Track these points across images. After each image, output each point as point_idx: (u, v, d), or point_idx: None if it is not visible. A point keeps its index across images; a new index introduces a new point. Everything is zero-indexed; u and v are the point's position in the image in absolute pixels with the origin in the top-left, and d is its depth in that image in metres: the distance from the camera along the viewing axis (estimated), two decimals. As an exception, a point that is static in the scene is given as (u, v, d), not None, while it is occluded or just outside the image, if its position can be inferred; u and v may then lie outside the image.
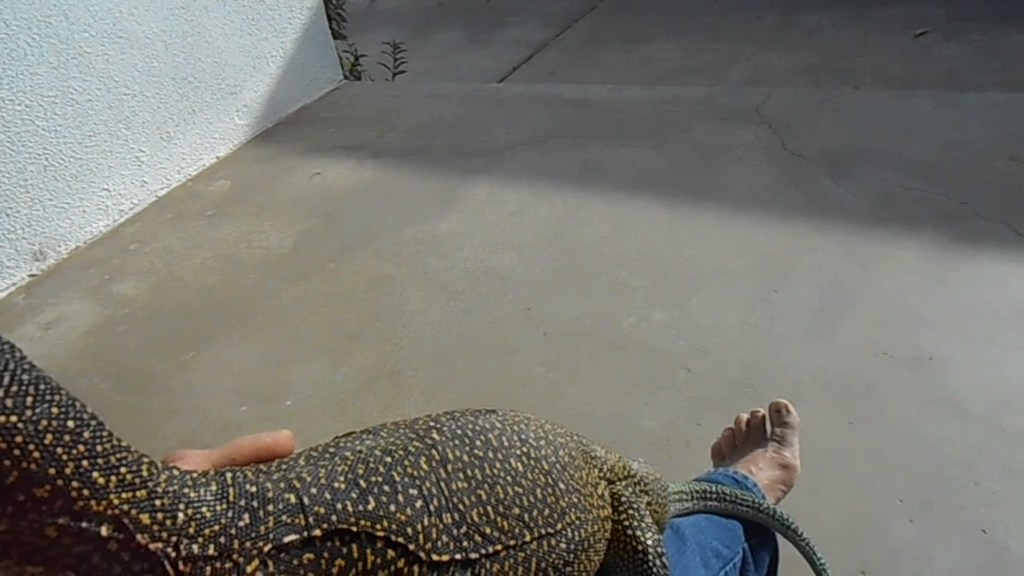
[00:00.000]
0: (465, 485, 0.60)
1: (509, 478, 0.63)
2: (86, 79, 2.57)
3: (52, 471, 0.46)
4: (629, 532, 0.76)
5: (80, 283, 2.42)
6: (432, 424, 0.63)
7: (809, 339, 1.82)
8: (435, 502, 0.57)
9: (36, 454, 0.46)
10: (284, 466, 0.55)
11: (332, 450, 0.58)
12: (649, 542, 0.76)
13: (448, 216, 2.48)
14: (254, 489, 0.52)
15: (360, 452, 0.58)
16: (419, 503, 0.56)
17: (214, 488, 0.51)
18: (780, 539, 1.24)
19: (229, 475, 0.53)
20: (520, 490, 0.63)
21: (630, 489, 0.80)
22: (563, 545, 0.65)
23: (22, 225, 2.44)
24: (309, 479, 0.54)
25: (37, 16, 2.41)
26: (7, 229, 2.40)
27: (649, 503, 0.85)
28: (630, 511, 0.77)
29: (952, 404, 1.61)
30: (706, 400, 1.69)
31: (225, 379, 1.96)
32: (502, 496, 0.61)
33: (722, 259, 2.12)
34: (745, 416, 1.45)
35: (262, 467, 0.55)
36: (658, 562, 0.76)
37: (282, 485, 0.53)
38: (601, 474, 0.77)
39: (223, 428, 1.82)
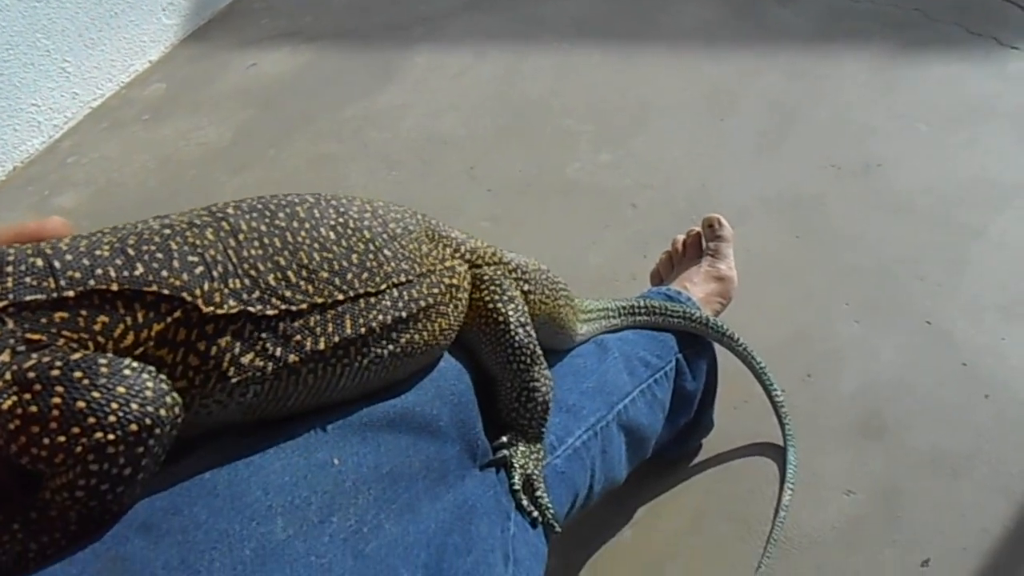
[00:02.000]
0: (260, 252, 0.56)
1: (317, 245, 0.60)
2: (-8, -13, 2.44)
3: None
4: (490, 306, 0.74)
5: (20, 202, 2.36)
6: (232, 203, 0.60)
7: (756, 161, 1.77)
8: (219, 268, 0.54)
9: None
10: (42, 243, 0.52)
11: (107, 230, 0.54)
12: (510, 312, 0.74)
13: (388, 89, 2.39)
14: (12, 253, 0.48)
15: (136, 227, 0.55)
16: (199, 269, 0.53)
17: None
18: (720, 350, 1.23)
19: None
20: (330, 255, 0.60)
21: (499, 272, 0.77)
22: (386, 303, 0.62)
23: (-49, 147, 2.36)
24: (65, 248, 0.50)
25: (-74, -78, 2.27)
26: (-64, 153, 2.33)
27: (529, 292, 0.82)
28: (491, 287, 0.75)
29: (898, 205, 1.58)
30: (652, 232, 1.66)
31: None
32: (306, 261, 0.58)
33: (667, 95, 2.04)
34: (681, 237, 1.41)
35: (16, 245, 0.51)
36: (520, 331, 0.74)
37: (29, 251, 0.49)
38: (457, 253, 0.74)
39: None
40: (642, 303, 1.16)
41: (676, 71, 2.12)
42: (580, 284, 1.55)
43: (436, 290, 0.68)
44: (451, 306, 0.70)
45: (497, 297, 0.74)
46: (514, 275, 0.80)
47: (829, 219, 1.59)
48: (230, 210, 0.58)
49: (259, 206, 0.60)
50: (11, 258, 0.48)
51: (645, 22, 2.36)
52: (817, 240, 1.56)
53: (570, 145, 1.97)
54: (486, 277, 0.75)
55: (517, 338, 0.73)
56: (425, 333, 0.66)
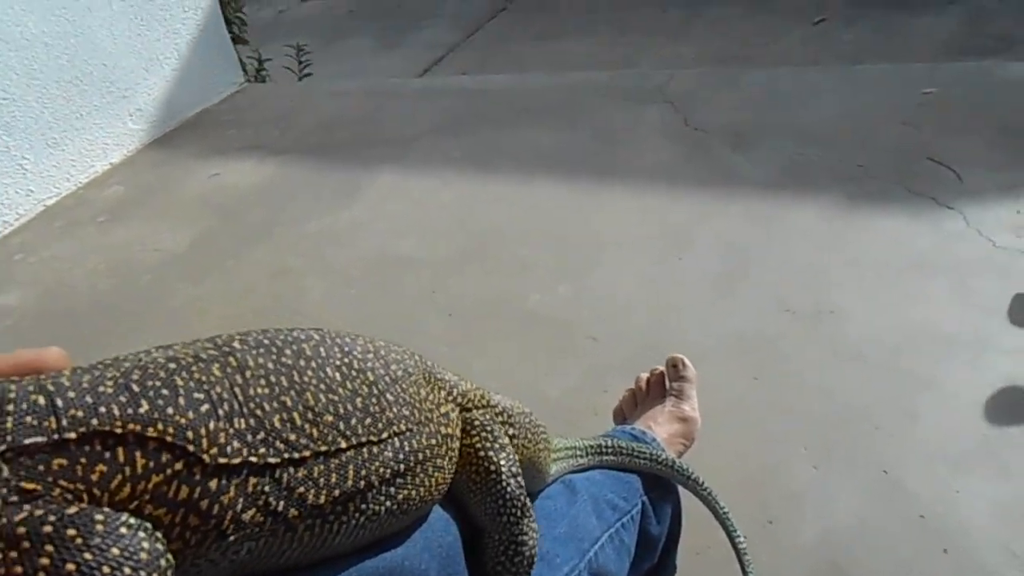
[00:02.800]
0: (267, 391, 0.54)
1: (323, 386, 0.58)
2: (-41, 83, 2.43)
3: None
4: (481, 454, 0.71)
5: (-41, 296, 2.27)
6: (238, 336, 0.58)
7: (712, 301, 1.81)
8: (225, 407, 0.52)
9: None
10: (43, 376, 0.49)
11: (108, 361, 0.52)
12: (502, 462, 0.72)
13: (351, 207, 2.41)
14: (14, 389, 0.46)
15: (140, 360, 0.52)
16: (205, 407, 0.51)
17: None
18: (683, 492, 1.21)
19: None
20: (336, 398, 0.58)
21: (488, 416, 0.76)
22: (388, 454, 0.60)
23: None
24: (68, 384, 0.48)
25: (-101, 16, 2.28)
26: None
27: (514, 436, 0.80)
28: (483, 434, 0.73)
29: (851, 353, 1.62)
30: (611, 366, 1.66)
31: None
32: (312, 403, 0.56)
33: (625, 231, 2.10)
34: (644, 375, 1.42)
35: (14, 378, 0.49)
36: (512, 482, 0.72)
37: (31, 388, 0.47)
38: (450, 397, 0.72)
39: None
40: (609, 443, 1.14)
41: (634, 208, 2.19)
42: (541, 417, 1.53)
43: (433, 440, 0.66)
44: (446, 457, 0.68)
45: (488, 445, 0.72)
46: (500, 419, 0.79)
47: (786, 363, 1.62)
48: (236, 344, 0.56)
49: (266, 341, 0.58)
50: (12, 395, 0.45)
51: (603, 157, 2.45)
52: (774, 383, 1.58)
53: (529, 275, 1.99)
54: (476, 423, 0.73)
55: (508, 489, 0.71)
56: (422, 488, 0.63)
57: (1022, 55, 3.47)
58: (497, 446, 0.72)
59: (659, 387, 1.39)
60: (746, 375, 1.61)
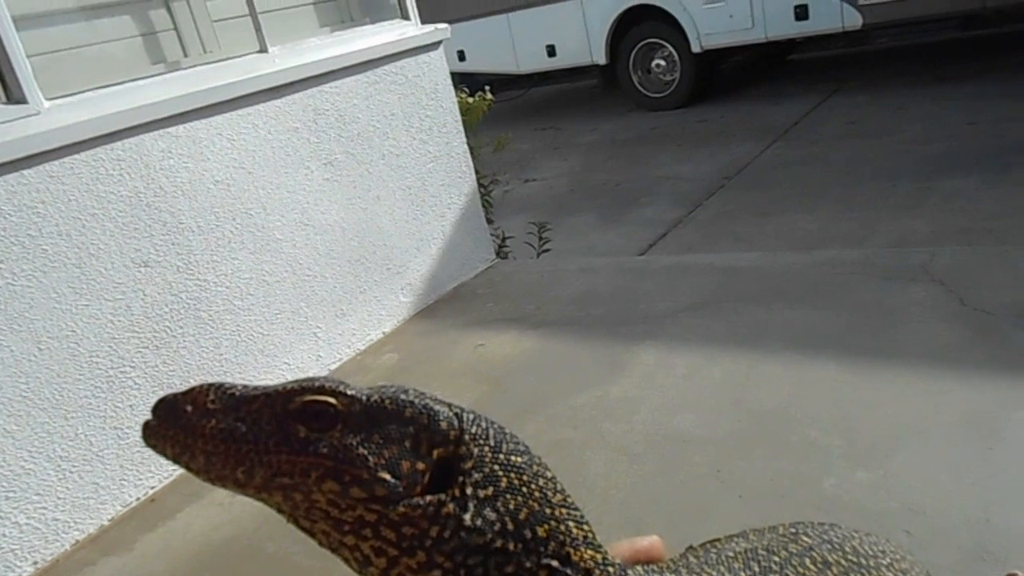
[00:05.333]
0: None
1: None
2: (276, 263, 2.80)
3: (548, 511, 0.49)
4: None
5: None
6: (792, 531, 0.62)
7: (1042, 499, 1.67)
8: None
9: (537, 494, 0.49)
10: (681, 563, 0.55)
11: (714, 552, 0.58)
12: None
13: (618, 381, 2.48)
14: None
15: (744, 551, 0.58)
16: None
17: (639, 570, 0.52)
18: None
19: (640, 567, 0.53)
20: None
21: None
22: None
23: (215, 397, 2.59)
24: (715, 574, 0.54)
25: (240, 209, 2.69)
26: (202, 401, 2.56)
27: None
28: None
29: None
30: (937, 566, 1.55)
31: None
32: None
33: (919, 417, 2.01)
34: (1000, 579, 1.32)
35: (662, 565, 0.55)
36: None
37: None
38: None
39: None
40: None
41: (923, 392, 2.11)
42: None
43: None
44: None
45: None
46: None
47: None
48: (805, 539, 0.61)
49: (825, 537, 0.62)
50: None
51: (880, 338, 2.40)
52: None
53: (821, 458, 1.94)
54: None
55: None
56: None
57: None
58: None
59: (1019, 595, 1.28)
60: (1103, 587, 1.45)
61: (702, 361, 2.49)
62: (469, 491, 0.47)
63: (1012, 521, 1.64)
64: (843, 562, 0.59)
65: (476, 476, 0.48)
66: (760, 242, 4.28)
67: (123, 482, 2.37)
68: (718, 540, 0.62)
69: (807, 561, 0.58)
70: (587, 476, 2.06)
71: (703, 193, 5.46)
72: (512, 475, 0.50)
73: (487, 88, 4.26)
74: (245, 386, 0.49)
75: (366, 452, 0.46)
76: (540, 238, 4.24)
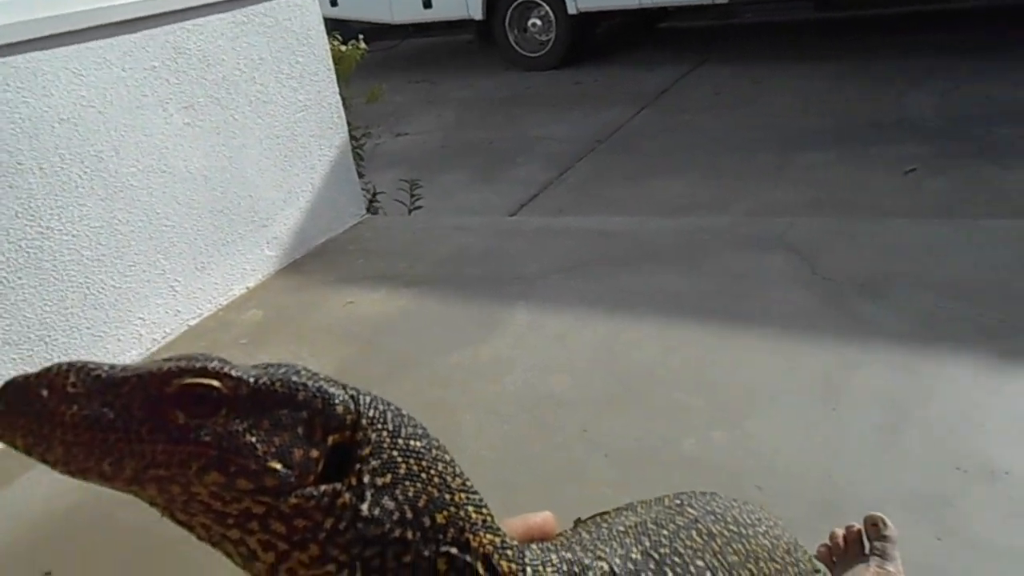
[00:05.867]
0: (736, 559, 0.60)
1: (766, 554, 0.63)
2: (130, 211, 2.62)
3: (448, 497, 0.47)
4: None
5: (115, 413, 2.36)
6: (676, 502, 0.64)
7: (878, 455, 1.81)
8: (720, 574, 0.57)
9: (436, 479, 0.47)
10: (574, 539, 0.55)
11: (605, 527, 0.58)
12: None
13: (491, 341, 2.49)
14: (569, 556, 0.52)
15: (635, 525, 0.58)
16: (708, 574, 0.56)
17: (536, 550, 0.51)
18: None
19: (535, 545, 0.53)
20: (778, 565, 0.63)
21: None
22: None
23: (59, 353, 2.40)
24: (609, 550, 0.54)
25: (90, 151, 2.49)
26: (44, 358, 2.37)
27: None
28: None
29: (1037, 517, 1.60)
30: (786, 519, 1.65)
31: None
32: (768, 571, 0.61)
33: (773, 379, 2.13)
34: (840, 531, 1.42)
35: (556, 542, 0.55)
36: None
37: (590, 555, 0.53)
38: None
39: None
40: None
41: (777, 355, 2.23)
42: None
43: None
44: None
45: None
46: None
47: (967, 524, 1.60)
48: (690, 511, 0.62)
49: (708, 508, 0.64)
50: (586, 562, 0.51)
51: (736, 303, 2.51)
52: (960, 545, 1.56)
53: (682, 419, 2.02)
54: None
55: None
56: None
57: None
58: None
59: (856, 545, 1.39)
60: (928, 535, 1.59)
61: (573, 323, 2.53)
62: (366, 479, 0.44)
63: (852, 476, 1.77)
64: (726, 532, 0.61)
65: (374, 463, 0.45)
66: (630, 206, 4.38)
67: (-48, 446, 2.17)
68: (607, 513, 0.63)
69: (694, 533, 0.59)
70: (460, 437, 2.06)
71: (575, 155, 5.53)
72: (411, 461, 0.47)
73: (360, 37, 4.11)
74: (112, 366, 0.44)
75: (254, 440, 0.42)
76: (412, 195, 4.17)
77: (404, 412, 0.50)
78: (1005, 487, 1.68)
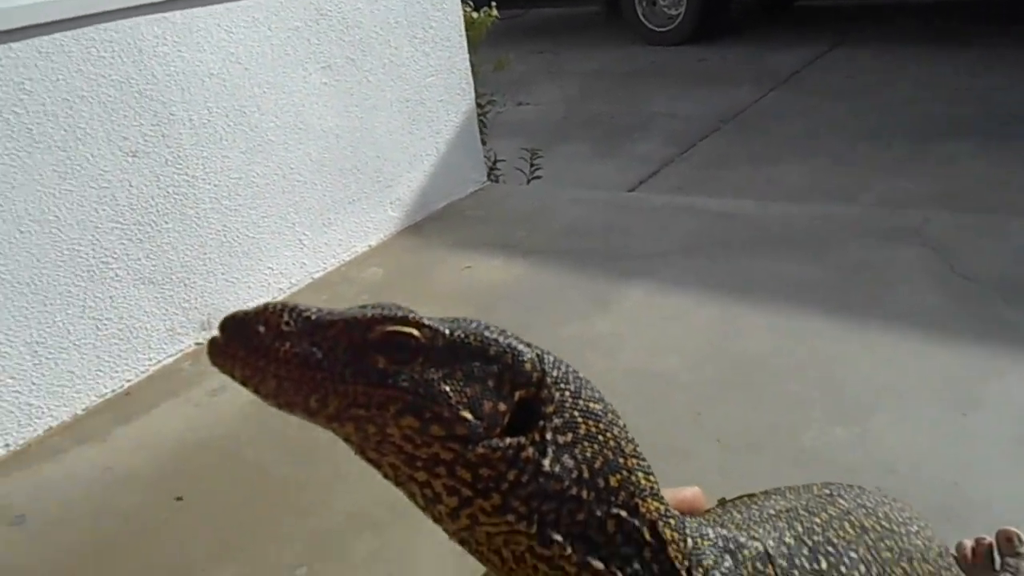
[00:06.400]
0: (889, 556, 0.59)
1: (919, 555, 0.61)
2: (267, 164, 2.73)
3: (621, 460, 0.48)
4: None
5: (243, 355, 2.49)
6: (825, 492, 0.63)
7: (1013, 467, 1.72)
8: (873, 569, 0.56)
9: (612, 443, 0.48)
10: (725, 517, 0.55)
11: (755, 508, 0.58)
12: None
13: (605, 316, 2.48)
14: (725, 533, 0.52)
15: (786, 510, 0.58)
16: (862, 567, 0.55)
17: (693, 523, 0.52)
18: None
19: (690, 520, 0.53)
20: (931, 568, 0.61)
21: None
22: None
23: (196, 295, 2.55)
24: (762, 531, 0.54)
25: (234, 105, 2.60)
26: (183, 298, 2.52)
27: None
28: None
29: None
30: (906, 523, 1.60)
31: (391, 459, 1.96)
32: (920, 572, 0.60)
33: (900, 377, 2.05)
34: (969, 543, 1.36)
35: (708, 518, 0.55)
36: None
37: (746, 535, 0.53)
38: None
39: (391, 505, 1.81)
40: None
41: (905, 354, 2.13)
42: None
43: None
44: None
45: None
46: None
47: (1107, 550, 1.51)
48: (842, 502, 0.61)
49: (859, 502, 0.63)
50: (742, 540, 0.51)
51: (867, 297, 2.42)
52: (1098, 571, 1.46)
53: (801, 411, 1.97)
54: None
55: None
56: None
57: None
58: None
59: (987, 559, 1.33)
60: (1063, 557, 1.50)
61: (689, 304, 2.49)
62: (549, 436, 0.46)
63: (979, 486, 1.69)
64: (878, 528, 0.60)
65: (557, 421, 0.47)
66: (751, 189, 4.26)
67: (99, 373, 2.34)
68: (754, 496, 0.63)
69: (847, 525, 0.58)
70: (569, 408, 2.07)
71: (697, 134, 5.40)
72: (590, 422, 0.49)
73: (492, 4, 4.12)
74: (320, 309, 0.47)
75: (448, 389, 0.44)
76: (532, 164, 4.18)
77: (583, 376, 0.51)
78: None
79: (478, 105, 3.86)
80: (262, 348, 0.44)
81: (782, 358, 2.18)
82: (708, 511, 0.59)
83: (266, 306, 0.46)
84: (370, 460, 0.47)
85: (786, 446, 1.86)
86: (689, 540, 0.49)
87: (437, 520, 0.47)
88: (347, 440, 0.47)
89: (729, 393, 2.07)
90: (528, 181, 4.23)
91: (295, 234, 2.87)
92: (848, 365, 2.12)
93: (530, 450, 0.45)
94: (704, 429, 1.95)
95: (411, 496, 0.48)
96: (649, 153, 5.17)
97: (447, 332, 0.46)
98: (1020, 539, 1.32)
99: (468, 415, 0.44)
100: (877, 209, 3.20)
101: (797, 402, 2.00)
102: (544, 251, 2.98)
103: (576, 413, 0.47)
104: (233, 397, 2.28)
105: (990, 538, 1.35)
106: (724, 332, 2.33)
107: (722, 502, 0.62)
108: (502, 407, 0.45)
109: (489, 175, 4.07)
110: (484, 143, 4.07)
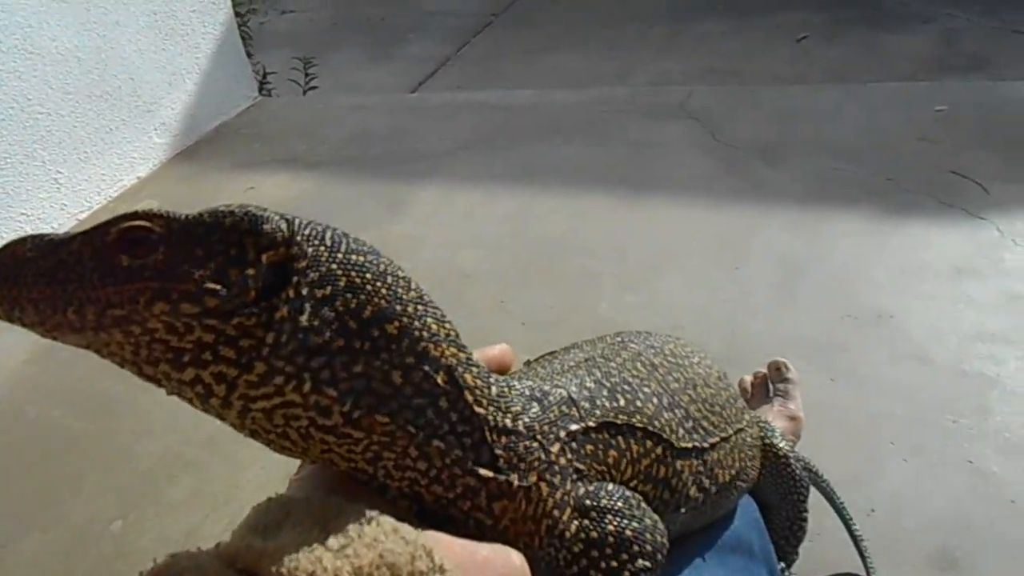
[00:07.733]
0: (678, 385, 0.64)
1: (702, 381, 0.67)
2: (-2, 97, 2.41)
3: (399, 308, 0.47)
4: (767, 442, 0.81)
5: (8, 313, 2.25)
6: (617, 340, 0.67)
7: (778, 308, 1.92)
8: (664, 399, 0.61)
9: (384, 291, 0.47)
10: (531, 372, 0.58)
11: (557, 362, 0.61)
12: (788, 450, 0.82)
13: (400, 220, 2.47)
14: (530, 383, 0.54)
15: (584, 360, 0.61)
16: (655, 399, 0.60)
17: (497, 376, 0.53)
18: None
19: (496, 375, 0.54)
20: (712, 391, 0.67)
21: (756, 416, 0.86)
22: (748, 439, 0.71)
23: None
24: (564, 380, 0.56)
25: (-57, 30, 2.26)
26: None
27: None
28: (762, 423, 0.83)
29: (917, 354, 1.75)
30: (695, 371, 1.76)
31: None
32: (704, 396, 0.66)
33: (679, 242, 2.21)
34: (748, 378, 1.52)
35: (512, 376, 0.57)
36: (798, 466, 0.81)
37: (550, 383, 0.55)
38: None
39: (206, 443, 1.74)
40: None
41: (682, 220, 2.30)
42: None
43: (754, 428, 0.76)
44: (759, 441, 0.78)
45: (771, 434, 0.82)
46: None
47: (856, 366, 1.74)
48: (632, 346, 0.65)
49: (646, 343, 0.67)
50: (546, 388, 0.53)
51: (641, 171, 2.56)
52: (850, 384, 1.70)
53: (595, 284, 2.08)
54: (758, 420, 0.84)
55: (797, 472, 0.81)
56: (754, 469, 0.73)
57: (996, 73, 3.70)
58: (778, 435, 0.82)
59: (762, 388, 1.49)
60: (823, 377, 1.72)
61: (482, 198, 2.53)
62: (304, 291, 0.44)
63: (754, 328, 1.88)
64: (666, 363, 0.65)
65: (312, 276, 0.45)
66: (530, 80, 4.32)
67: None
68: (554, 353, 0.66)
69: (639, 365, 0.62)
70: (375, 315, 2.06)
71: (471, 30, 5.37)
72: (353, 274, 0.48)
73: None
74: (64, 234, 0.43)
75: (189, 267, 0.42)
76: (306, 74, 3.99)
77: (349, 235, 0.50)
78: (890, 331, 1.82)
79: (237, 15, 3.60)
80: (11, 278, 0.40)
81: (576, 237, 2.27)
82: (511, 373, 0.61)
83: (9, 241, 0.42)
84: (147, 377, 0.44)
85: (585, 318, 1.96)
86: (494, 388, 0.50)
87: (220, 416, 0.46)
88: (122, 357, 0.44)
89: (529, 278, 2.14)
90: (304, 92, 4.05)
91: (47, 173, 2.58)
92: (632, 236, 2.25)
93: (284, 308, 0.44)
94: (510, 314, 2.02)
95: (190, 401, 0.45)
96: (425, 53, 5.08)
97: (182, 216, 0.44)
98: (786, 367, 1.50)
99: (214, 285, 0.43)
100: (645, 88, 3.36)
101: (591, 276, 2.11)
102: (329, 162, 2.88)
103: (335, 266, 0.46)
104: (4, 360, 2.07)
105: (764, 371, 1.52)
106: (518, 221, 2.39)
107: (528, 363, 0.65)
108: (250, 271, 0.44)
109: (260, 89, 3.84)
110: (250, 56, 3.82)
